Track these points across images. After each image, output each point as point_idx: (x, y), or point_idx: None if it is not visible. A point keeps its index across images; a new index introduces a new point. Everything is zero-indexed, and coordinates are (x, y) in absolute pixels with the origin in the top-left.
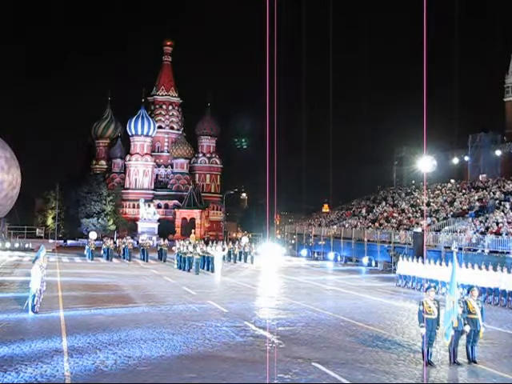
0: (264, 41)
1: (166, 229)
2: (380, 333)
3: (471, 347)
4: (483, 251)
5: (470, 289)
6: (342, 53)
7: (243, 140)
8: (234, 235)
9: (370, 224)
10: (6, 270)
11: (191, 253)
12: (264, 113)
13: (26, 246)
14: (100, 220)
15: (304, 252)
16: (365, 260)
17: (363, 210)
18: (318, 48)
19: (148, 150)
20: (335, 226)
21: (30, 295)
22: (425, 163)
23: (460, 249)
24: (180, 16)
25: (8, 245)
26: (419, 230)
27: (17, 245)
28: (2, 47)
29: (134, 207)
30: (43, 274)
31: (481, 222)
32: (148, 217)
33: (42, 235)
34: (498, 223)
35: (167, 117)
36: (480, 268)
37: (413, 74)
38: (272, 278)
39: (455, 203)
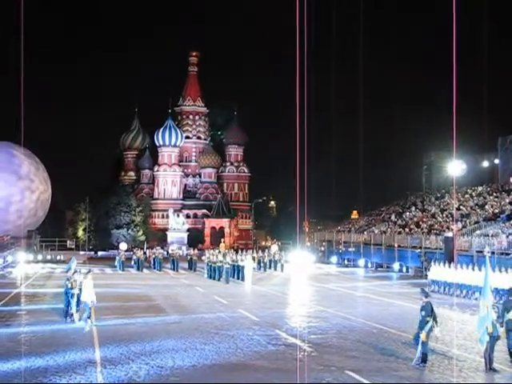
0: (293, 48)
1: (195, 238)
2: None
3: None
4: None
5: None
6: (370, 56)
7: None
8: (264, 243)
9: (400, 229)
10: (38, 282)
11: (221, 262)
12: (293, 119)
13: (58, 258)
14: (130, 231)
15: (334, 259)
16: (395, 266)
17: (393, 216)
18: (345, 52)
19: (176, 160)
20: (365, 232)
21: (86, 308)
22: (454, 167)
23: (492, 253)
24: (205, 26)
25: (40, 257)
26: (450, 234)
27: (48, 257)
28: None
29: (163, 217)
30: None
31: None
32: (177, 226)
33: (73, 247)
34: None
35: (194, 127)
36: None
37: (441, 77)
38: (302, 285)
39: (486, 207)
